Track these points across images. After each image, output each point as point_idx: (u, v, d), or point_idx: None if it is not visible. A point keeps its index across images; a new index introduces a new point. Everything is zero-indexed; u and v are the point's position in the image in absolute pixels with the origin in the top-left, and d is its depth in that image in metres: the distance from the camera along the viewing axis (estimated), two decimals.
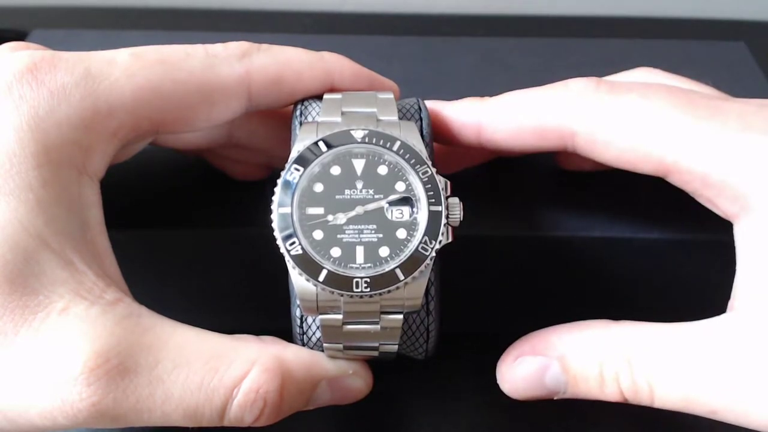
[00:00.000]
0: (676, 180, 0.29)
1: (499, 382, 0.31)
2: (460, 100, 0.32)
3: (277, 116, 0.34)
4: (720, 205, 0.28)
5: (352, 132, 0.28)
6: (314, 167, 0.28)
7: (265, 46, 0.30)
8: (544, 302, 0.39)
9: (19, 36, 0.43)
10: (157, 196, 0.36)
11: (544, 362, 0.29)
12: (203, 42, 0.30)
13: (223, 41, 0.30)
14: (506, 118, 0.31)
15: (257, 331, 0.29)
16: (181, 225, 0.35)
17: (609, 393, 0.28)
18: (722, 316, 0.28)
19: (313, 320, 0.29)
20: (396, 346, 0.29)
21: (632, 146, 0.29)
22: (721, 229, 0.31)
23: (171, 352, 0.26)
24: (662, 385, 0.27)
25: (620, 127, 0.29)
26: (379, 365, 0.30)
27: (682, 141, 0.28)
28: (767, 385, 0.25)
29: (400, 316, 0.28)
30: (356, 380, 0.29)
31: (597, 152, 0.30)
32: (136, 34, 0.46)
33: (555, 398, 0.29)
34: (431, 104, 0.32)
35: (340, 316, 0.27)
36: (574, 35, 0.59)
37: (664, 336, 0.27)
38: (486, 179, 0.37)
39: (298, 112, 0.31)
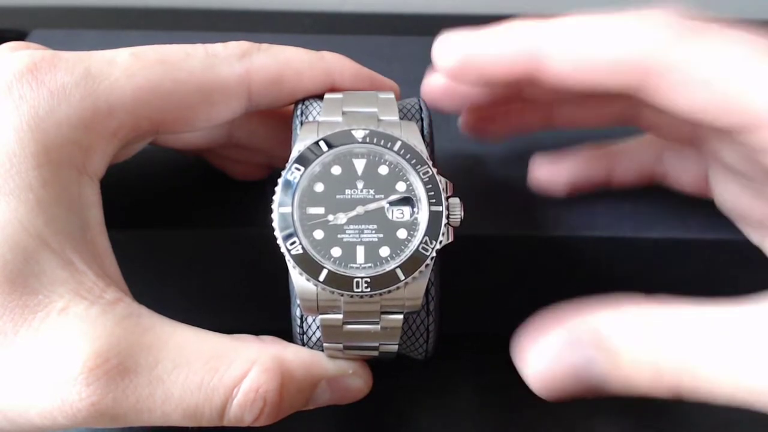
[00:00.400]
0: (753, 140, 0.25)
1: (521, 368, 0.26)
2: (498, 26, 0.28)
3: (277, 116, 0.34)
4: None
5: (353, 132, 0.29)
6: (315, 167, 0.28)
7: (265, 45, 0.30)
8: (544, 302, 0.39)
9: (19, 36, 0.42)
10: (157, 196, 0.36)
11: (583, 352, 0.24)
12: (203, 42, 0.30)
13: (223, 41, 0.30)
14: (576, 47, 0.27)
15: (257, 331, 0.29)
16: (181, 225, 0.35)
17: (663, 387, 0.24)
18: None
19: (313, 320, 0.29)
20: (396, 346, 0.29)
21: (713, 95, 0.25)
22: (722, 229, 0.31)
23: (171, 352, 0.26)
24: (726, 378, 0.23)
25: (704, 73, 0.25)
26: (378, 365, 0.30)
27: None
28: None
29: (401, 316, 0.28)
30: (356, 380, 0.29)
31: (670, 98, 0.26)
32: (136, 34, 0.46)
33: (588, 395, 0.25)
34: (457, 36, 0.28)
35: (340, 316, 0.27)
36: None
37: (726, 320, 0.24)
38: (486, 179, 0.37)
39: (298, 112, 0.31)
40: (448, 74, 0.29)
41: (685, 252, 0.35)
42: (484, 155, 0.38)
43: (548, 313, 0.26)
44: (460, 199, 0.28)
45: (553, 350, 0.25)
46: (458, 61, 0.29)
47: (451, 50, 0.28)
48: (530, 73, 0.28)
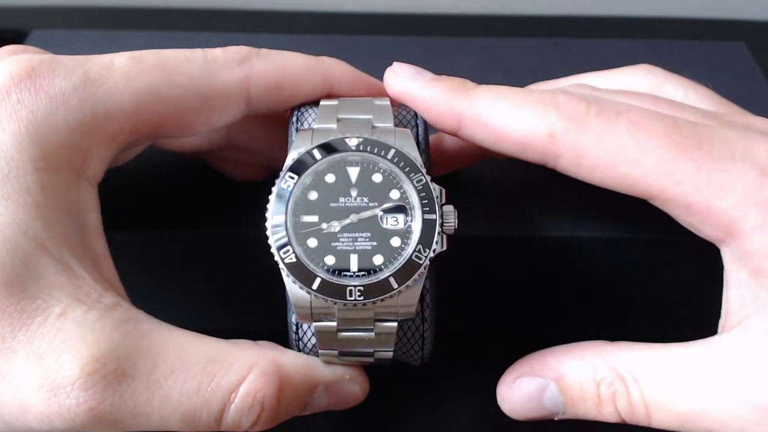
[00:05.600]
0: (660, 206, 0.29)
1: (499, 402, 0.31)
2: (441, 79, 0.30)
3: (275, 119, 0.34)
4: (704, 231, 0.28)
5: (347, 140, 0.28)
6: (309, 175, 0.28)
7: (264, 51, 0.30)
8: (543, 303, 0.39)
9: (19, 36, 0.43)
10: (156, 196, 0.36)
11: (542, 383, 0.29)
12: (204, 43, 0.30)
13: (223, 42, 0.30)
14: (489, 122, 0.29)
15: (256, 331, 0.29)
16: (181, 225, 0.35)
17: (606, 413, 0.28)
18: (715, 337, 0.28)
19: (309, 327, 0.29)
20: (391, 353, 0.29)
21: (616, 175, 0.28)
22: None
23: (169, 356, 0.26)
24: (658, 406, 0.27)
25: (605, 157, 0.28)
26: (375, 370, 0.30)
27: (665, 173, 0.27)
28: (764, 405, 0.26)
29: (395, 324, 0.28)
30: (353, 385, 0.29)
31: (581, 174, 0.29)
32: (136, 34, 0.46)
33: (555, 419, 0.30)
34: (410, 80, 0.30)
35: (334, 324, 0.27)
36: (574, 35, 0.59)
37: (660, 357, 0.28)
38: (484, 179, 0.37)
39: (294, 119, 0.31)
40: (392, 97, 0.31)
41: (685, 252, 0.35)
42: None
43: (520, 362, 0.31)
44: (456, 204, 0.28)
45: (525, 395, 0.30)
46: (398, 96, 0.31)
47: (394, 84, 0.31)
48: (455, 132, 0.30)
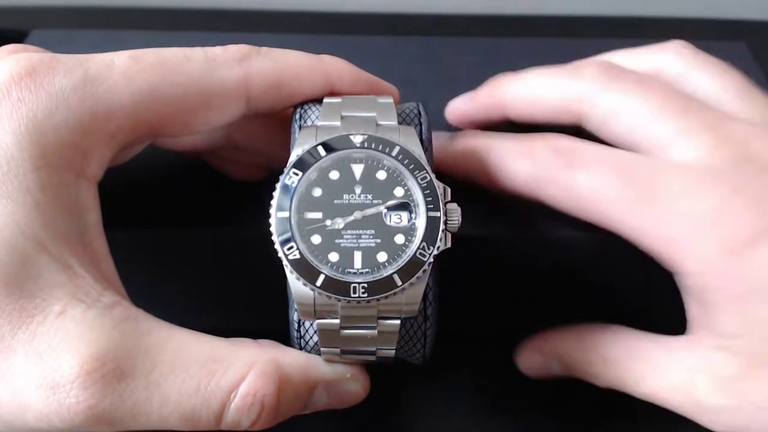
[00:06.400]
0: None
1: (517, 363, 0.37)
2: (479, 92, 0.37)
3: (276, 118, 0.33)
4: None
5: (351, 137, 0.28)
6: (313, 172, 0.28)
7: (264, 49, 0.30)
8: (544, 303, 0.39)
9: (19, 36, 0.42)
10: (156, 196, 0.36)
11: (548, 359, 0.36)
12: (203, 42, 0.30)
13: (223, 41, 0.30)
14: (526, 102, 0.35)
15: (256, 331, 0.29)
16: (181, 225, 0.35)
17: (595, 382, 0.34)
18: (682, 337, 0.32)
19: (311, 324, 0.29)
20: (393, 351, 0.29)
21: (620, 133, 0.33)
22: None
23: (168, 355, 0.26)
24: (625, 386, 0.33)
25: (612, 118, 0.33)
26: (376, 369, 0.30)
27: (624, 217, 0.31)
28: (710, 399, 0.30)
29: (398, 322, 0.28)
30: (353, 384, 0.29)
31: (600, 132, 0.34)
32: (136, 34, 0.45)
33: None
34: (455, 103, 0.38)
35: (337, 321, 0.27)
36: (574, 35, 0.59)
37: (637, 342, 0.33)
38: None
39: (297, 116, 0.31)
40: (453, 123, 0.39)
41: None
42: None
43: (535, 339, 0.36)
44: (459, 203, 0.28)
45: (537, 365, 0.37)
46: (457, 120, 0.38)
47: (451, 114, 0.39)
48: (502, 116, 0.36)
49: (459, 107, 0.38)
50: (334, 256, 0.27)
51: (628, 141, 0.32)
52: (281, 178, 0.28)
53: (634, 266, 0.36)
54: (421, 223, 0.28)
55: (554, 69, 0.35)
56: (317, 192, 0.28)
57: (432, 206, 0.28)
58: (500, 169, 0.33)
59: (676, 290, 0.32)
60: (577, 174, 0.31)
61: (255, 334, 0.29)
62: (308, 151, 0.28)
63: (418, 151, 0.28)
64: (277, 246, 0.27)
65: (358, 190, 0.28)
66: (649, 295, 0.38)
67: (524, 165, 0.32)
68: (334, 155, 0.28)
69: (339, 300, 0.27)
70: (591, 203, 0.31)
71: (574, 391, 0.36)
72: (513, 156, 0.33)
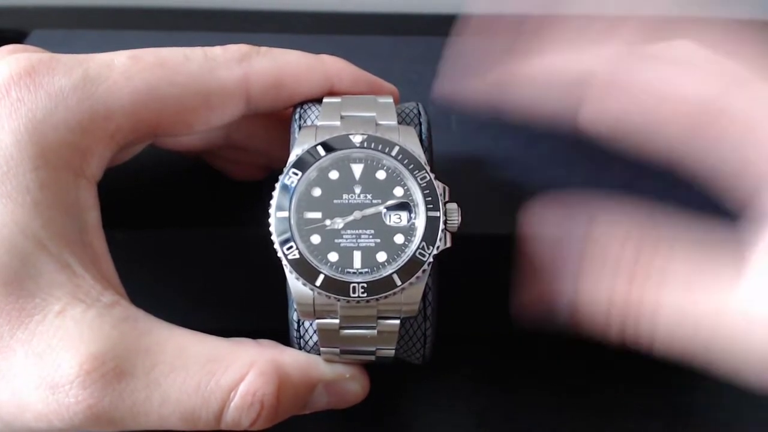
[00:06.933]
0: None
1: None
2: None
3: (275, 118, 0.33)
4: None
5: (351, 137, 0.28)
6: (312, 171, 0.28)
7: (264, 49, 0.30)
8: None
9: (19, 36, 0.42)
10: (156, 196, 0.36)
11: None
12: (203, 42, 0.30)
13: (223, 41, 0.30)
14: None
15: (255, 330, 0.29)
16: (181, 225, 0.35)
17: None
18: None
19: (310, 324, 0.29)
20: (393, 351, 0.29)
21: None
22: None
23: (168, 355, 0.26)
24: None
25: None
26: (375, 368, 0.30)
27: None
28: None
29: (397, 322, 0.28)
30: (353, 384, 0.29)
31: None
32: (136, 34, 0.45)
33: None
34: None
35: (336, 321, 0.27)
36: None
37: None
38: (485, 179, 0.37)
39: (297, 116, 0.31)
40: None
41: None
42: (484, 156, 0.38)
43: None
44: (458, 205, 0.28)
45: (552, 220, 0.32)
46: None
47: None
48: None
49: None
50: (333, 256, 0.27)
51: None
52: (281, 177, 0.28)
53: None
54: (420, 223, 0.28)
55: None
56: (317, 192, 0.28)
57: (431, 206, 0.28)
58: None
59: None
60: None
61: (255, 334, 0.29)
62: (308, 151, 0.28)
63: (417, 151, 0.28)
64: (276, 246, 0.27)
65: (357, 190, 0.28)
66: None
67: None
68: (333, 155, 0.28)
69: (338, 300, 0.27)
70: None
71: (574, 390, 0.36)
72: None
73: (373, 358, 0.29)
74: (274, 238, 0.27)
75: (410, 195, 0.28)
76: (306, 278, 0.27)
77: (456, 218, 0.28)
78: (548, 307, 0.30)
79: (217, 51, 0.29)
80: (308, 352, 0.29)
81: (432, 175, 0.28)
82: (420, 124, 0.30)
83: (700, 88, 0.30)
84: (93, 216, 0.28)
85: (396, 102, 0.31)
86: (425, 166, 0.28)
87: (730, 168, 0.29)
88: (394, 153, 0.28)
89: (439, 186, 0.28)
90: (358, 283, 0.27)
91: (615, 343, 0.29)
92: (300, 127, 0.30)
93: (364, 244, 0.27)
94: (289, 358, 0.28)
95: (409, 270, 0.27)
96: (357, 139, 0.28)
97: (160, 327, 0.26)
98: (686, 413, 0.37)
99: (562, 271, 0.30)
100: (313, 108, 0.31)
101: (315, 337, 0.29)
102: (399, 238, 0.28)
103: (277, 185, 0.28)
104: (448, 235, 0.28)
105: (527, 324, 0.31)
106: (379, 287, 0.27)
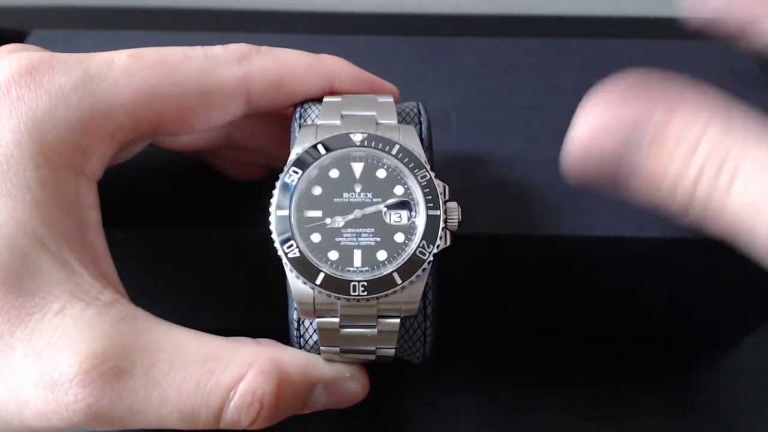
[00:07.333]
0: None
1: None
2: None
3: (275, 118, 0.33)
4: None
5: (351, 135, 0.29)
6: (313, 170, 0.28)
7: (264, 48, 0.30)
8: (544, 303, 0.39)
9: (19, 36, 0.42)
10: (156, 196, 0.36)
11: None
12: (203, 42, 0.30)
13: (223, 41, 0.30)
14: None
15: (255, 330, 0.29)
16: (181, 225, 0.35)
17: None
18: None
19: (310, 323, 0.29)
20: (393, 350, 0.29)
21: None
22: None
23: (167, 354, 0.26)
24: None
25: None
26: (375, 368, 0.30)
27: None
28: None
29: (397, 320, 0.28)
30: (353, 383, 0.29)
31: None
32: (136, 34, 0.45)
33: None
34: None
35: (336, 320, 0.27)
36: (574, 35, 0.59)
37: None
38: (485, 179, 0.37)
39: (297, 115, 0.31)
40: None
41: (685, 251, 0.35)
42: (484, 156, 0.38)
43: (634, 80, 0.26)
44: (458, 203, 0.28)
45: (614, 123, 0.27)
46: None
47: None
48: None
49: None
50: (333, 255, 0.27)
51: None
52: (281, 176, 0.28)
53: (635, 266, 0.36)
54: (420, 222, 0.28)
55: None
56: (317, 190, 0.28)
57: (432, 205, 0.28)
58: None
59: (678, 290, 0.32)
60: None
61: (255, 333, 0.29)
62: (308, 150, 0.28)
63: (418, 150, 0.28)
64: (276, 244, 0.27)
65: (357, 189, 0.28)
66: (651, 295, 0.38)
67: None
68: (334, 154, 0.28)
69: (339, 298, 0.27)
70: None
71: (574, 391, 0.36)
72: None
73: (373, 357, 0.29)
74: (274, 236, 0.27)
75: (410, 194, 0.28)
76: (306, 277, 0.27)
77: (456, 217, 0.28)
78: (624, 138, 0.26)
79: (217, 50, 0.29)
80: (308, 351, 0.29)
81: (432, 174, 0.28)
82: (420, 123, 0.30)
83: None
84: (93, 215, 0.28)
85: (396, 101, 0.31)
86: (425, 164, 0.28)
87: None
88: (394, 152, 0.28)
89: (439, 185, 0.28)
90: (359, 281, 0.27)
91: (675, 208, 0.26)
92: (300, 126, 0.30)
93: (364, 243, 0.27)
94: (289, 357, 0.28)
95: (409, 269, 0.27)
96: (357, 137, 0.28)
97: (160, 326, 0.26)
98: (686, 413, 0.37)
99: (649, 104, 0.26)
100: (314, 107, 0.31)
101: (315, 336, 0.28)
102: (399, 237, 0.28)
103: (278, 184, 0.28)
104: (449, 234, 0.28)
105: (581, 171, 0.28)
106: (379, 286, 0.27)
